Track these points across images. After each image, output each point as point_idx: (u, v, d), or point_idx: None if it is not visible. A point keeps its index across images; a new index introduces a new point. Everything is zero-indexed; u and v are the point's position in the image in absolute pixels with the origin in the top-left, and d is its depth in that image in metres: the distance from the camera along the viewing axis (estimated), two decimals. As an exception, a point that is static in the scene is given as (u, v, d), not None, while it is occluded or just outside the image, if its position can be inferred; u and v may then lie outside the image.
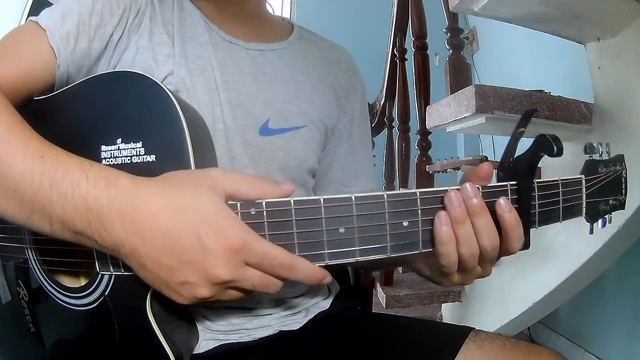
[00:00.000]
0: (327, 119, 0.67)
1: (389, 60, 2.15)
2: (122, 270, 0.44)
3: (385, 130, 2.28)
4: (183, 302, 0.40)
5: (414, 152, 1.80)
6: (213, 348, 0.57)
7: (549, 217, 0.46)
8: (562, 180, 0.47)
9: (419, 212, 0.41)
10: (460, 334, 0.58)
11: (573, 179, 0.48)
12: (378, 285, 1.70)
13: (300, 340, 0.62)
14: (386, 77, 2.19)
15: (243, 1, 0.64)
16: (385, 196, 0.41)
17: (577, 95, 1.12)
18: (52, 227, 0.40)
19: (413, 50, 1.76)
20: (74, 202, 0.38)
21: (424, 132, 1.69)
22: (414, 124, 1.78)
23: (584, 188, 0.48)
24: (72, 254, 0.48)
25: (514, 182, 0.44)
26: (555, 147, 0.41)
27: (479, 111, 1.01)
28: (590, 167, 0.50)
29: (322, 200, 0.40)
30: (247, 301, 0.59)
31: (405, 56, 2.03)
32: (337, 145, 0.71)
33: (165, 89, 0.46)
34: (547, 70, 2.07)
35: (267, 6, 0.70)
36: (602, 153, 0.51)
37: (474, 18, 2.91)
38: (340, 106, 0.70)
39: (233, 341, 0.58)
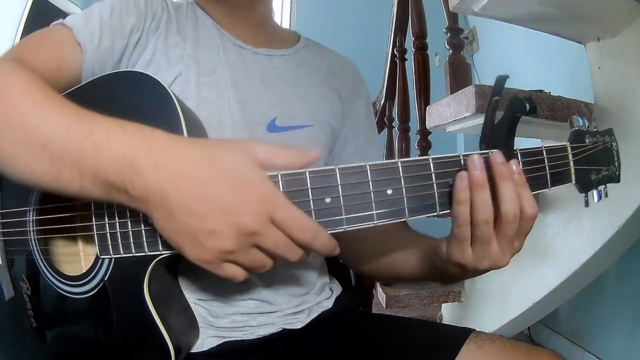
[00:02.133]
0: (334, 121, 0.69)
1: (389, 60, 2.15)
2: (122, 252, 0.46)
3: (385, 130, 2.28)
4: (204, 258, 0.40)
5: (414, 152, 1.80)
6: (217, 345, 0.58)
7: (535, 184, 0.47)
8: (545, 147, 0.47)
9: (402, 180, 0.43)
10: (461, 335, 0.58)
11: (557, 145, 0.49)
12: (378, 285, 1.70)
13: (304, 339, 0.62)
14: (386, 77, 2.19)
15: (252, 7, 0.68)
16: (367, 166, 0.42)
17: (577, 95, 1.12)
18: (82, 182, 0.40)
19: (413, 50, 1.76)
20: (109, 151, 0.39)
21: (424, 132, 1.69)
22: (414, 124, 1.78)
23: (570, 155, 0.49)
24: (75, 240, 0.50)
25: (495, 150, 0.44)
26: (527, 105, 0.42)
27: (479, 111, 1.01)
28: (576, 136, 0.50)
29: (307, 173, 0.42)
30: (254, 292, 0.60)
31: (405, 56, 2.03)
32: (343, 148, 0.72)
33: (162, 83, 0.48)
34: (547, 70, 2.06)
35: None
36: (588, 126, 0.51)
37: (474, 18, 2.91)
38: (344, 111, 0.72)
39: (237, 339, 0.59)
